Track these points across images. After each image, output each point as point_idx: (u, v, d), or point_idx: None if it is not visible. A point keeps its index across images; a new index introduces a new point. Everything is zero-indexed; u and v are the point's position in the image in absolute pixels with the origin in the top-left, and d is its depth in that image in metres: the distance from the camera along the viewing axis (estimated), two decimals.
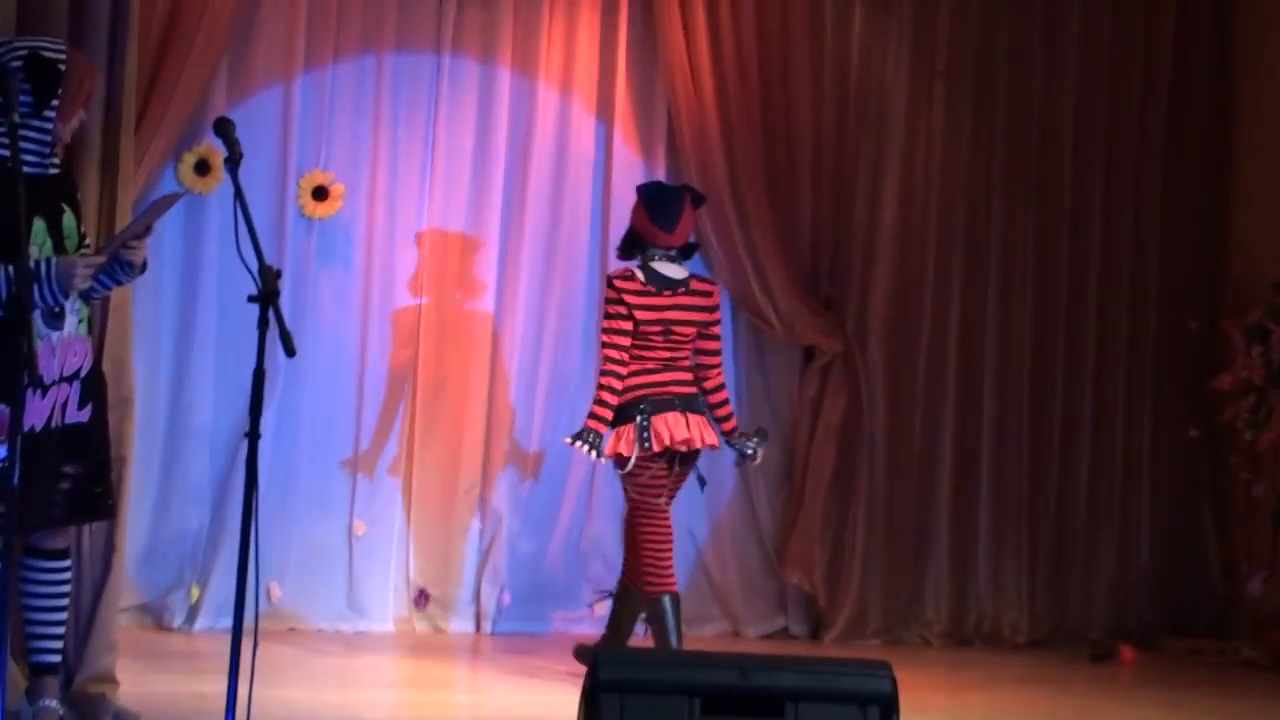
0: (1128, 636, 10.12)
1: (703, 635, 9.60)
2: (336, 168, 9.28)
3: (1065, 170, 10.57)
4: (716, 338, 8.20)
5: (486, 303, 9.53)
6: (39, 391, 5.45)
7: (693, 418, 7.92)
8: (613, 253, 9.44)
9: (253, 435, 5.05)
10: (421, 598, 9.35)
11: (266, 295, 5.05)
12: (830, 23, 10.10)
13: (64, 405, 5.58)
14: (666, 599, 7.76)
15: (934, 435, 10.27)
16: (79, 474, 5.66)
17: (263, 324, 5.05)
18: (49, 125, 5.54)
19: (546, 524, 9.57)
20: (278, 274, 5.10)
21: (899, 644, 9.89)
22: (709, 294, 8.14)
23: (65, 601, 5.80)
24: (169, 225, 8.96)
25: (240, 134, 5.40)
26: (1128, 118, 10.68)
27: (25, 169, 5.45)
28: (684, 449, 7.89)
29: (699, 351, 8.11)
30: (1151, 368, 10.70)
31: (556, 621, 9.56)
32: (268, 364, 5.15)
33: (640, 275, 7.98)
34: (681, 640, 7.77)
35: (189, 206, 8.98)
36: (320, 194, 9.23)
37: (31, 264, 5.37)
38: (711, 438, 8.00)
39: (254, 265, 5.07)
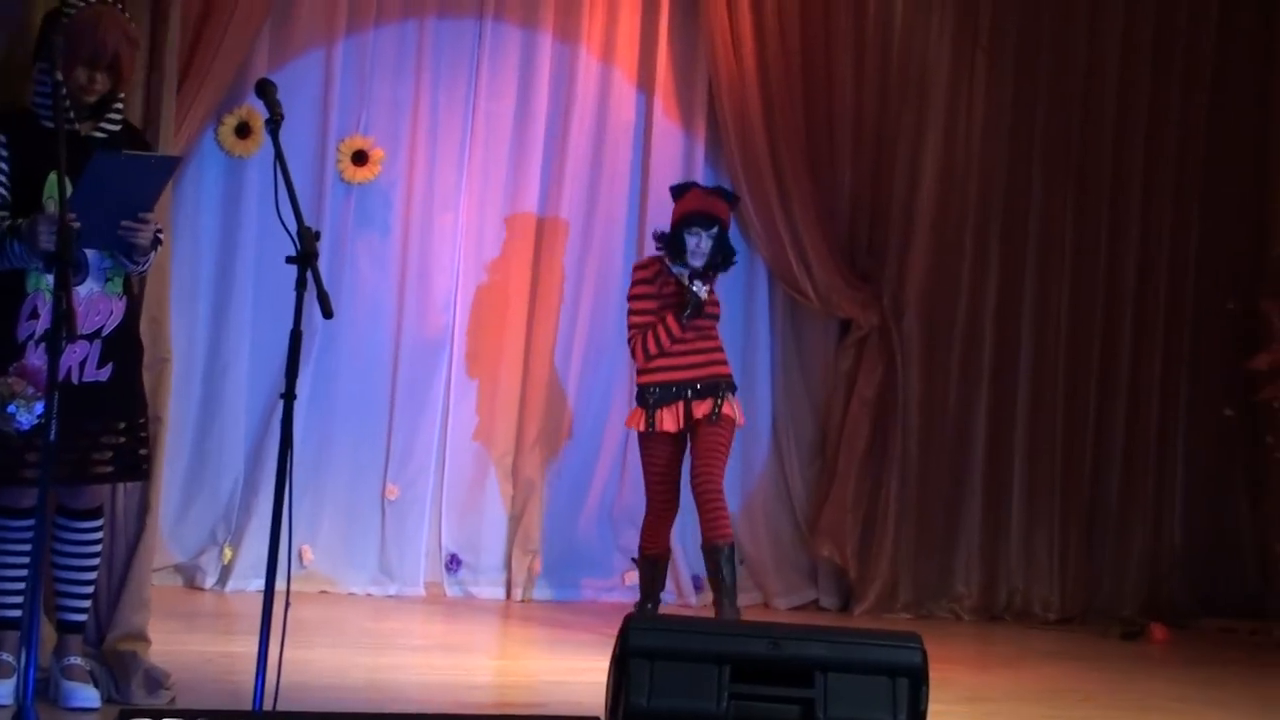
0: (1159, 615, 10.11)
1: None
2: (376, 133, 9.29)
3: (1106, 147, 10.55)
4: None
5: (523, 269, 9.53)
6: (39, 346, 5.44)
7: None
8: (651, 220, 9.48)
9: (288, 396, 5.04)
10: (453, 563, 9.37)
11: (305, 256, 5.04)
12: None
13: (82, 363, 5.59)
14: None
15: (968, 410, 10.27)
16: (101, 433, 5.66)
17: (300, 285, 5.05)
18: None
19: (579, 492, 9.59)
20: (316, 235, 5.10)
21: (929, 618, 9.90)
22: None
23: (95, 562, 5.80)
24: (209, 188, 9.00)
25: (281, 97, 5.39)
26: (1170, 95, 10.65)
27: (47, 124, 5.46)
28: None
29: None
30: (1189, 347, 10.68)
31: (587, 589, 9.59)
32: (304, 326, 5.15)
33: None
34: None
35: (229, 169, 9.01)
36: (360, 159, 9.24)
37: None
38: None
39: (293, 227, 5.07)
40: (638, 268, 8.67)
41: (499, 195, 9.51)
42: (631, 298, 8.56)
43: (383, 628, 8.34)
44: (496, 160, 9.51)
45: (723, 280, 9.81)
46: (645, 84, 9.79)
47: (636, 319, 8.47)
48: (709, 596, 9.58)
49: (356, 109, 9.26)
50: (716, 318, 8.61)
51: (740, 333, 9.95)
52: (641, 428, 8.47)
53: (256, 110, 8.75)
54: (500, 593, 9.43)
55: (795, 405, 10.10)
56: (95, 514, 5.79)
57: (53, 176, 5.37)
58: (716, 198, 8.60)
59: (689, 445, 8.50)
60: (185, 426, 8.84)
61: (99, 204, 5.24)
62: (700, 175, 9.81)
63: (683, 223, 8.44)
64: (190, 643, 7.08)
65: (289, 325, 5.09)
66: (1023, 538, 10.32)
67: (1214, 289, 10.68)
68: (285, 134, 5.33)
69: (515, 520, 9.47)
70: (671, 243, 8.47)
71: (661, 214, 9.73)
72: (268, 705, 5.02)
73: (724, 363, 8.60)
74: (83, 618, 5.81)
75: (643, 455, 8.59)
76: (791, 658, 5.03)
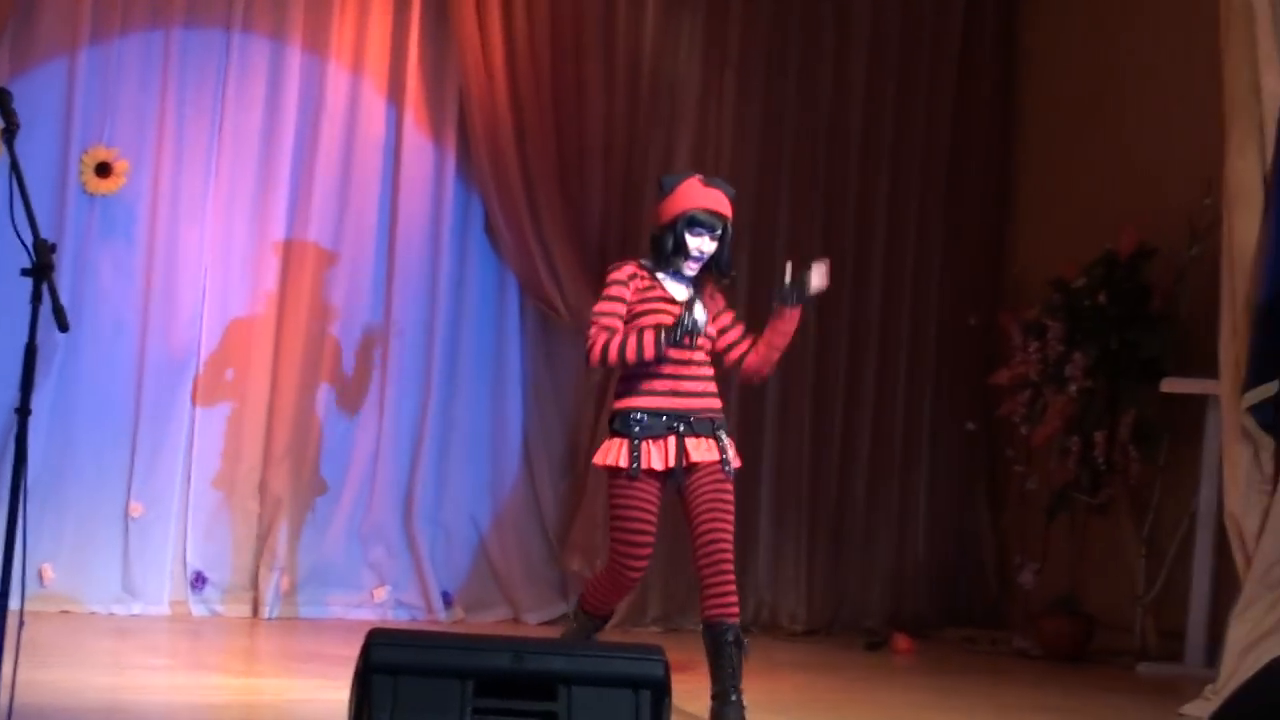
0: (903, 626, 10.28)
1: (483, 621, 9.62)
2: (121, 144, 9.14)
3: (852, 165, 10.72)
4: None
5: (270, 283, 9.45)
6: None
7: None
8: (401, 234, 9.42)
9: (23, 412, 4.97)
10: (199, 581, 9.25)
11: (40, 269, 4.98)
12: (623, 9, 10.14)
13: None
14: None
15: None
16: None
17: (35, 298, 4.99)
18: None
19: (327, 509, 9.51)
20: (52, 248, 5.03)
21: (678, 631, 9.95)
22: None
23: None
24: None
25: (21, 107, 5.30)
26: (914, 115, 10.87)
27: None
28: None
29: None
30: (933, 362, 10.89)
31: (335, 606, 9.51)
32: (44, 340, 5.07)
33: None
34: None
35: None
36: (103, 170, 9.09)
37: None
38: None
39: (29, 239, 5.00)
40: (611, 268, 7.11)
41: (246, 208, 9.41)
42: (603, 297, 7.01)
43: (125, 647, 8.21)
44: (244, 173, 9.41)
45: (476, 293, 9.84)
46: (395, 96, 9.75)
47: (603, 318, 6.94)
48: (458, 613, 9.59)
49: (100, 119, 9.12)
50: (711, 338, 7.19)
51: (491, 345, 9.94)
52: (624, 463, 6.83)
53: None
54: (247, 610, 9.32)
55: (546, 418, 10.10)
56: None
57: None
58: (720, 191, 7.03)
59: (682, 493, 6.98)
60: None
61: None
62: (450, 189, 9.80)
63: (685, 220, 6.91)
64: None
65: (25, 338, 5.01)
66: (771, 550, 10.44)
67: (957, 305, 10.89)
68: (25, 144, 5.25)
69: (262, 538, 9.37)
70: (665, 243, 6.96)
71: (411, 228, 9.71)
72: None
73: (718, 394, 7.14)
74: None
75: (618, 498, 6.91)
76: (534, 672, 5.04)
